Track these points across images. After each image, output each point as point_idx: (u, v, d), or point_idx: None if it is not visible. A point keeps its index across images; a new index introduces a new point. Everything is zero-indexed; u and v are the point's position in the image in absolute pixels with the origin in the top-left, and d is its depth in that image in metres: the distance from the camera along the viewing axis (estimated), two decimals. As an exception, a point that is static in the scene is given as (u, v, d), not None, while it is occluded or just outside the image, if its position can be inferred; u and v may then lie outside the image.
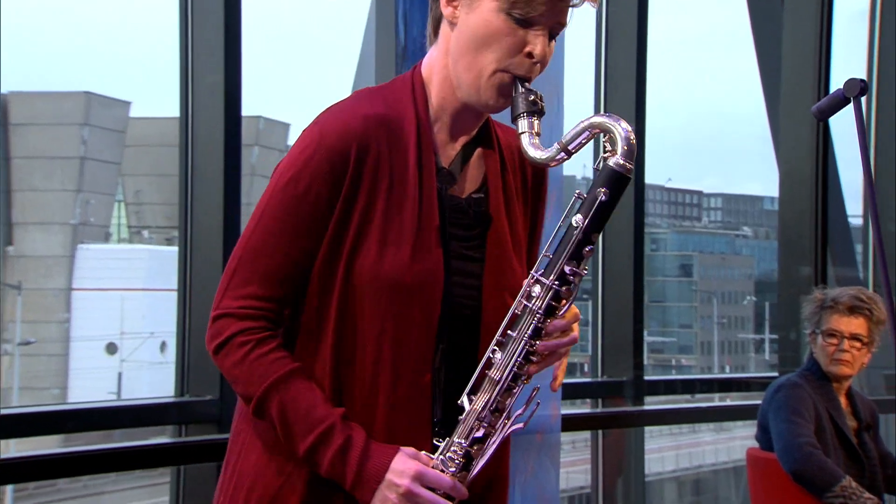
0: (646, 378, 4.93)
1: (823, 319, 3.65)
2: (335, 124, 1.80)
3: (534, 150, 1.77)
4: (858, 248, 6.03)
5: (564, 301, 1.77)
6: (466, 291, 1.82)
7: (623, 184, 1.76)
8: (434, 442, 1.80)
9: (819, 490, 3.39)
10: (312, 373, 1.80)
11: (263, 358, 1.79)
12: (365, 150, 1.78)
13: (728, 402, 5.42)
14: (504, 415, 1.78)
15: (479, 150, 1.88)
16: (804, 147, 5.11)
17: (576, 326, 1.81)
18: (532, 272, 1.78)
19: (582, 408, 4.94)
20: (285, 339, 1.83)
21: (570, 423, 4.20)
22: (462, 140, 1.86)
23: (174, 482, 3.66)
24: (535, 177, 1.93)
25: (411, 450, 1.78)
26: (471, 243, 1.85)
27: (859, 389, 3.79)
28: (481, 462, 1.78)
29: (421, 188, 1.80)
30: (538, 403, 1.79)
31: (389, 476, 1.75)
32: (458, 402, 1.78)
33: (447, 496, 1.77)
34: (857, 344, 3.61)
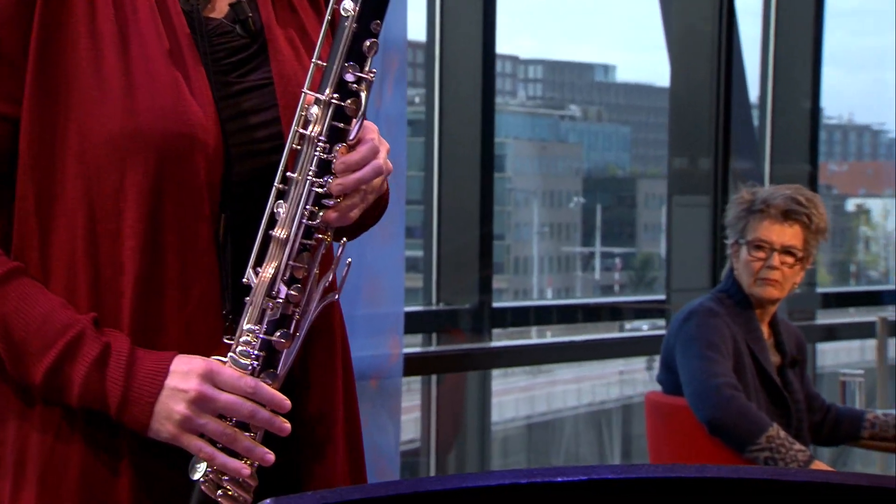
0: (495, 305, 5.13)
1: (750, 226, 3.88)
2: None
3: None
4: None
5: (353, 119, 1.78)
6: (262, 133, 1.84)
7: None
8: (225, 340, 1.80)
9: (741, 442, 3.65)
10: (54, 282, 1.78)
11: None
12: None
13: (600, 336, 5.71)
14: (308, 285, 1.79)
15: None
16: (704, 5, 5.36)
17: (382, 153, 1.82)
18: (304, 90, 1.79)
19: (413, 345, 5.10)
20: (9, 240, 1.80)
21: (409, 366, 4.35)
22: None
23: None
24: None
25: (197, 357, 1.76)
26: (248, 67, 1.87)
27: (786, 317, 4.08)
28: (291, 354, 1.79)
29: (160, 11, 1.80)
30: (349, 262, 1.82)
31: (170, 382, 1.73)
32: (244, 279, 1.78)
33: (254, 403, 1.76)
34: (789, 259, 3.87)
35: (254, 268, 1.79)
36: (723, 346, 3.77)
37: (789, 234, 3.88)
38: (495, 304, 5.17)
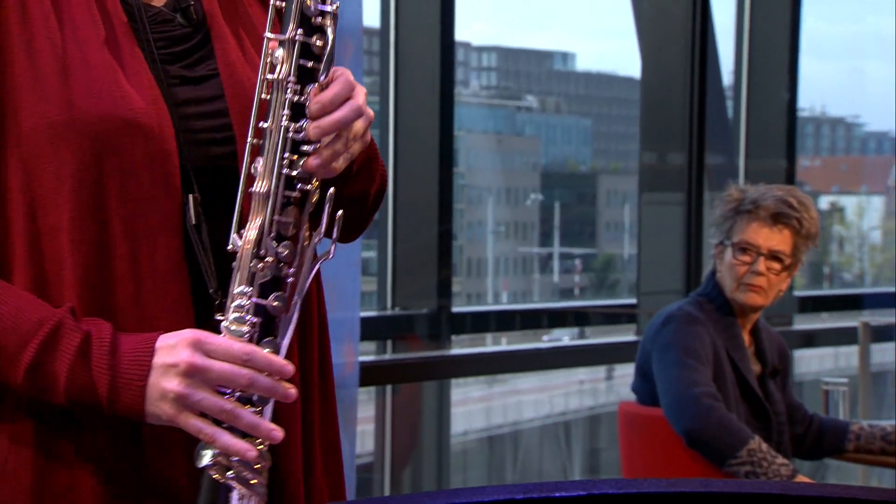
0: (454, 310, 5.14)
1: (737, 227, 3.89)
2: None
3: None
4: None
5: (322, 57, 1.78)
6: (209, 123, 1.87)
7: None
8: (218, 318, 1.79)
9: (720, 456, 3.68)
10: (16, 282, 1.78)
11: None
12: None
13: (566, 342, 5.73)
14: (299, 243, 1.79)
15: None
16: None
17: (358, 92, 1.83)
18: (266, 34, 1.80)
19: (367, 353, 5.10)
20: None
21: (364, 375, 4.35)
22: None
23: None
24: None
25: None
26: (194, 57, 1.90)
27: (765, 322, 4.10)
28: (290, 322, 1.79)
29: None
30: (341, 212, 1.81)
31: (158, 359, 1.73)
32: (228, 247, 1.79)
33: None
34: (776, 265, 3.89)
35: (237, 232, 1.79)
36: (702, 353, 3.79)
37: (778, 239, 3.89)
38: (455, 309, 5.17)
